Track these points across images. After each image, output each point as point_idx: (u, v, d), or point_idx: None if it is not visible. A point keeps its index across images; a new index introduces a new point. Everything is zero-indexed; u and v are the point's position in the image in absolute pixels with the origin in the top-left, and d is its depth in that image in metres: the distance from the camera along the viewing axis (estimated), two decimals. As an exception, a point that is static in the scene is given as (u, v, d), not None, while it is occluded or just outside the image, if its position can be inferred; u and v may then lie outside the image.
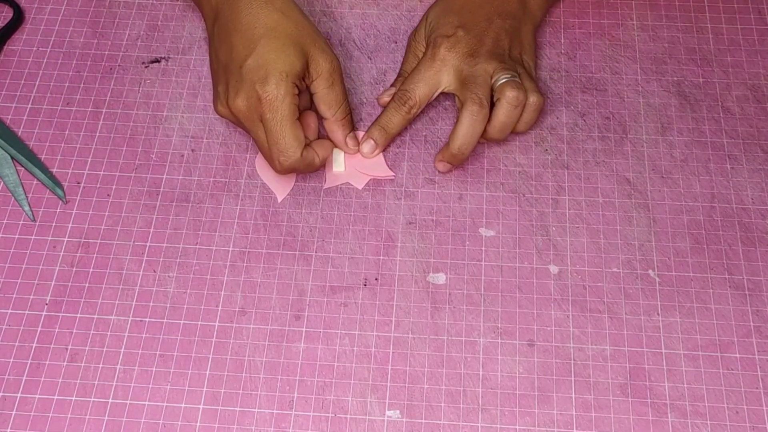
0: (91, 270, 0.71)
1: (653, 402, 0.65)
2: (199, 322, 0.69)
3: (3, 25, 0.84)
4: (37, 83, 0.81)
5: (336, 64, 0.72)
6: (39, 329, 0.69)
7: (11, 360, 0.67)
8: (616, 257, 0.71)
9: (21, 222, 0.73)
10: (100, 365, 0.67)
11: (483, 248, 0.72)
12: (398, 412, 0.65)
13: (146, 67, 0.82)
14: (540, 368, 0.67)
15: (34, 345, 0.68)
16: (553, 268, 0.71)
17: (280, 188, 0.75)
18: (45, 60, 0.82)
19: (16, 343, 0.68)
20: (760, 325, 0.68)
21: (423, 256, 0.71)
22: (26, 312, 0.69)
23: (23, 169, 0.76)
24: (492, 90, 0.73)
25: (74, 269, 0.71)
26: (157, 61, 0.82)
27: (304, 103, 0.74)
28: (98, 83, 0.81)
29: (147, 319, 0.69)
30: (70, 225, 0.73)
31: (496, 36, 0.75)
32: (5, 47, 0.83)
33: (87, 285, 0.70)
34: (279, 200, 0.74)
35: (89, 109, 0.79)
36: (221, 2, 0.73)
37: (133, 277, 0.71)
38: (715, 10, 0.84)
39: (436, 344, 0.68)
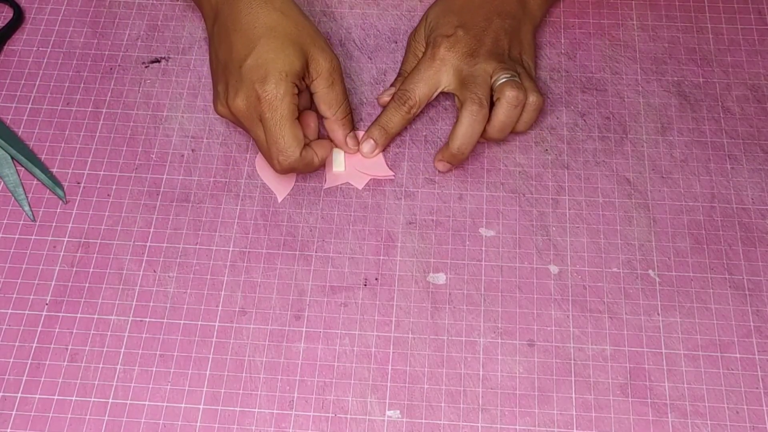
0: (91, 270, 0.71)
1: (653, 402, 0.65)
2: (199, 322, 0.69)
3: (3, 25, 0.84)
4: (37, 83, 0.81)
5: (336, 63, 0.72)
6: (39, 329, 0.68)
7: (11, 360, 0.67)
8: (616, 257, 0.71)
9: (21, 222, 0.73)
10: (100, 365, 0.67)
11: (483, 248, 0.72)
12: (398, 412, 0.65)
13: (146, 67, 0.82)
14: (540, 368, 0.66)
15: (34, 345, 0.68)
16: (553, 268, 0.71)
17: (280, 188, 0.75)
18: (45, 60, 0.82)
19: (16, 343, 0.68)
20: (760, 325, 0.68)
21: (423, 256, 0.71)
22: (26, 312, 0.69)
23: (23, 169, 0.76)
24: (492, 90, 0.73)
25: (74, 269, 0.71)
26: (157, 61, 0.82)
27: (304, 103, 0.74)
28: (98, 83, 0.81)
29: (147, 319, 0.69)
30: (70, 225, 0.73)
31: (496, 36, 0.75)
32: (5, 47, 0.83)
33: (87, 285, 0.70)
34: (279, 200, 0.74)
35: (89, 109, 0.79)
36: (221, 2, 0.73)
37: (133, 277, 0.71)
38: (715, 10, 0.84)
39: (436, 344, 0.68)
